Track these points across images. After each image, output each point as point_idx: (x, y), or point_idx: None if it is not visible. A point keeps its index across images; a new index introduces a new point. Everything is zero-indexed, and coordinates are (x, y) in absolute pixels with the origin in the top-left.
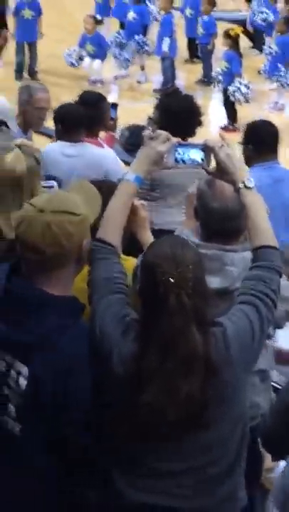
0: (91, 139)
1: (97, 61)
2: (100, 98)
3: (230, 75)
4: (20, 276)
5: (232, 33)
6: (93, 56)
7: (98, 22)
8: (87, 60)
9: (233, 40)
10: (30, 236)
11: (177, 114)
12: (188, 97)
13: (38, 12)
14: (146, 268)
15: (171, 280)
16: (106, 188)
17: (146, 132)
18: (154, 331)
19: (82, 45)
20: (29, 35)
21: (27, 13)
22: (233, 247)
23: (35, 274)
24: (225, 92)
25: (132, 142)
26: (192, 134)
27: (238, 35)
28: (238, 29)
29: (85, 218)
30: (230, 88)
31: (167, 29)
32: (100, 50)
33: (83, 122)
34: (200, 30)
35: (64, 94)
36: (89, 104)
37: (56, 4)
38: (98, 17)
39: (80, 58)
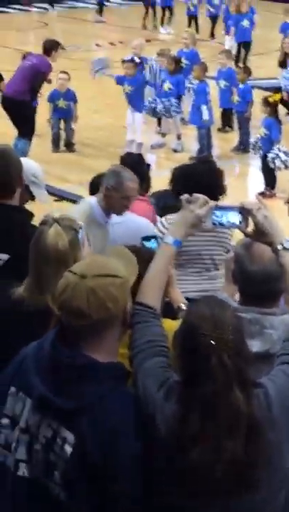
0: (141, 197)
1: (138, 116)
2: (140, 160)
3: (269, 142)
4: (65, 342)
5: (271, 100)
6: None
7: (137, 64)
8: (128, 113)
9: (272, 107)
10: (75, 302)
11: (198, 180)
12: (211, 164)
13: (74, 100)
14: (186, 330)
15: (212, 342)
16: (142, 253)
17: (185, 196)
18: (196, 392)
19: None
20: (64, 115)
21: (61, 103)
22: (272, 310)
23: (81, 341)
24: (264, 158)
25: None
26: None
27: (276, 102)
28: (276, 96)
29: (127, 280)
30: (270, 155)
31: (202, 97)
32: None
33: None
34: (236, 98)
35: (100, 165)
36: (130, 166)
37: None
38: (136, 59)
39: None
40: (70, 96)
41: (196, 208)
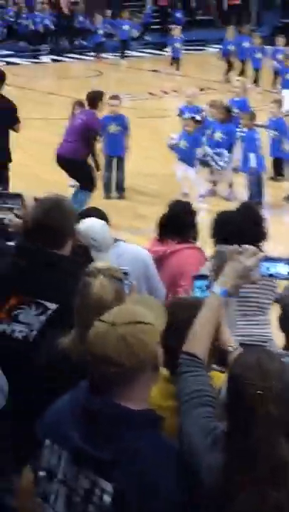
0: (185, 244)
1: (191, 171)
2: (188, 208)
3: None
4: (98, 392)
5: None
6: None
7: (198, 122)
8: (179, 171)
9: None
10: (106, 350)
11: (236, 226)
12: (252, 210)
13: (125, 127)
14: (232, 380)
15: (259, 392)
16: (192, 302)
17: (234, 247)
18: (242, 442)
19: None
20: (117, 150)
21: (113, 128)
22: None
23: (113, 389)
24: None
25: None
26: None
27: None
28: None
29: (156, 326)
30: None
31: (252, 145)
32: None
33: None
34: (287, 147)
35: (151, 211)
36: (178, 214)
37: (148, 124)
38: (198, 118)
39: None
40: (122, 121)
41: (245, 259)
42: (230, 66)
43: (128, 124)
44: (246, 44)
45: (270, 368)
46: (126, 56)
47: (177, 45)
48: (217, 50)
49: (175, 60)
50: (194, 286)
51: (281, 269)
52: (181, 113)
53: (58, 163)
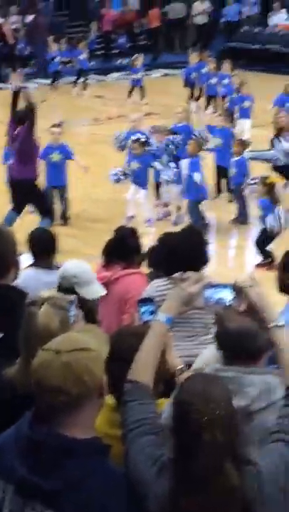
0: (130, 269)
1: (142, 194)
2: (132, 233)
3: (264, 221)
4: (43, 421)
5: (268, 181)
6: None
7: (143, 144)
8: (131, 189)
9: (268, 189)
10: (52, 379)
11: (177, 250)
12: (194, 234)
13: (68, 156)
14: (178, 406)
15: (204, 418)
16: (133, 331)
17: (177, 274)
18: (188, 469)
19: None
20: (60, 180)
21: (56, 157)
22: (253, 369)
23: (59, 417)
24: (262, 231)
25: None
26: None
27: (273, 184)
28: (274, 178)
29: (101, 353)
30: (268, 225)
31: (196, 169)
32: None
33: (51, 247)
34: (232, 170)
35: (98, 238)
36: (122, 239)
37: (93, 150)
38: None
39: (125, 174)
40: (64, 150)
41: (188, 286)
42: (192, 92)
43: (70, 152)
44: (204, 70)
45: (215, 393)
46: (75, 83)
47: (140, 74)
48: (159, 74)
49: (140, 89)
50: (140, 311)
51: (225, 295)
52: (124, 138)
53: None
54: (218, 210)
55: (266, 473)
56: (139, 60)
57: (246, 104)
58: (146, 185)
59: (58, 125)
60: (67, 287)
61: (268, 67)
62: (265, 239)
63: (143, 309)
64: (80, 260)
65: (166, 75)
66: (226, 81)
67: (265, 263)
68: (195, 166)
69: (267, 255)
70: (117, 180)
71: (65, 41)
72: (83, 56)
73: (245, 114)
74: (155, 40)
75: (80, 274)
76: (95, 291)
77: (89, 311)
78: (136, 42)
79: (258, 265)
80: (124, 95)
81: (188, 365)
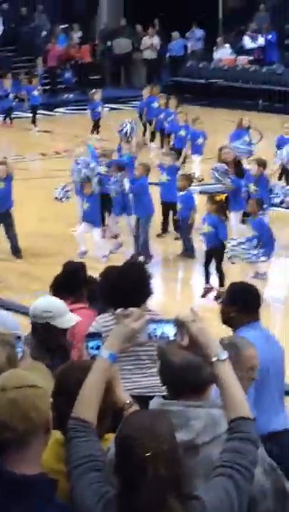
0: (79, 304)
1: (95, 232)
2: (80, 267)
3: (216, 239)
4: None
5: (217, 198)
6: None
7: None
8: (81, 226)
9: (218, 206)
10: None
11: (120, 284)
12: (137, 267)
13: (9, 182)
14: (122, 441)
15: (148, 453)
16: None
17: (120, 310)
18: (132, 503)
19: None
20: (6, 204)
21: (1, 185)
22: (198, 402)
23: (6, 454)
24: (207, 253)
25: None
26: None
27: (223, 201)
28: (222, 196)
29: (47, 390)
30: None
31: (142, 198)
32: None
33: None
34: (179, 205)
35: (47, 272)
36: (70, 273)
37: (41, 184)
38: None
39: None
40: (7, 178)
41: (130, 322)
42: (145, 126)
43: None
44: (155, 104)
45: (159, 429)
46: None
47: (99, 109)
48: (107, 109)
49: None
50: (87, 346)
51: (167, 330)
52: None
53: None
54: (164, 244)
55: (211, 508)
56: (98, 94)
57: (200, 140)
58: (99, 224)
59: (3, 162)
60: (41, 323)
61: (213, 101)
62: (208, 260)
63: (91, 344)
64: (46, 295)
65: (112, 109)
66: (170, 118)
67: (208, 289)
68: (144, 187)
69: (208, 279)
70: (61, 198)
71: (11, 76)
72: (36, 92)
73: (198, 150)
74: (80, 77)
75: (52, 308)
76: (69, 319)
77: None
78: (81, 77)
79: (203, 295)
80: (71, 130)
81: (139, 398)
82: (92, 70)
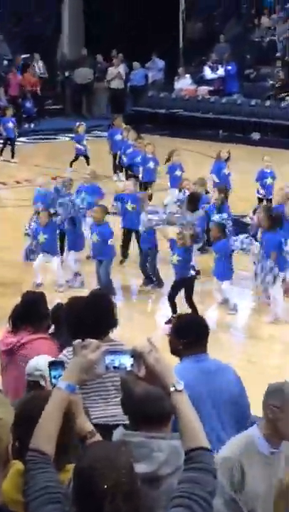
0: (38, 334)
1: (54, 261)
2: (40, 298)
3: (185, 267)
4: None
5: (188, 234)
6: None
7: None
8: (39, 257)
9: (188, 238)
10: None
11: (83, 314)
12: (100, 298)
13: None
14: (81, 472)
15: (107, 484)
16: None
17: (77, 341)
18: None
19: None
20: None
21: None
22: (160, 434)
23: None
24: (176, 283)
25: None
26: (102, 336)
27: (192, 235)
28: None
29: (7, 421)
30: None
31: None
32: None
33: None
34: (144, 236)
35: (6, 302)
36: (28, 305)
37: (3, 215)
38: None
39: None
40: None
41: (88, 353)
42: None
43: None
44: (118, 137)
45: (119, 460)
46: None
47: (84, 142)
48: (68, 139)
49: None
50: (50, 375)
51: (124, 360)
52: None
53: None
54: (125, 274)
55: None
56: (81, 127)
57: (178, 173)
58: (57, 253)
59: None
60: (34, 381)
61: (174, 131)
62: (175, 291)
63: (53, 373)
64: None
65: (72, 138)
66: (129, 150)
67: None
68: (109, 234)
69: (175, 310)
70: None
71: None
72: (11, 125)
73: (175, 182)
74: (41, 106)
75: (43, 366)
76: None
77: None
78: (42, 106)
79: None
80: (32, 159)
81: (104, 427)
82: (53, 99)
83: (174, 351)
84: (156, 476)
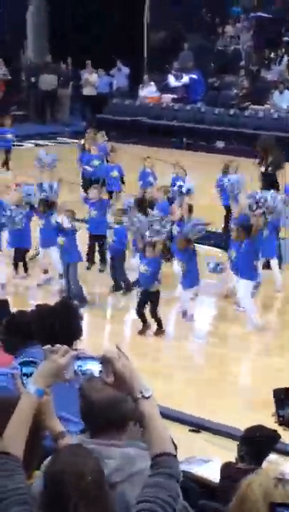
0: None
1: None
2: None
3: (152, 278)
4: None
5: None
6: None
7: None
8: None
9: (157, 249)
10: None
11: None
12: (67, 306)
13: None
14: (50, 476)
15: (72, 490)
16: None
17: (46, 346)
18: None
19: None
20: None
21: None
22: (114, 442)
23: None
24: (142, 294)
25: None
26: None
27: (164, 246)
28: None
29: None
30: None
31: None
32: None
33: None
34: (112, 237)
35: None
36: None
37: None
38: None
39: None
40: None
41: (57, 358)
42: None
43: None
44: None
45: (84, 467)
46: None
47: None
48: (32, 145)
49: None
50: (21, 374)
51: (93, 366)
52: None
53: None
54: (94, 281)
55: None
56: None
57: (150, 179)
58: None
59: None
60: None
61: (139, 138)
62: (142, 305)
63: (25, 370)
64: None
65: (37, 145)
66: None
67: (143, 329)
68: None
69: (144, 320)
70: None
71: None
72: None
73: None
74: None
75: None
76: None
77: None
78: (7, 112)
79: (140, 332)
80: None
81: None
82: (18, 105)
83: None
84: (108, 484)
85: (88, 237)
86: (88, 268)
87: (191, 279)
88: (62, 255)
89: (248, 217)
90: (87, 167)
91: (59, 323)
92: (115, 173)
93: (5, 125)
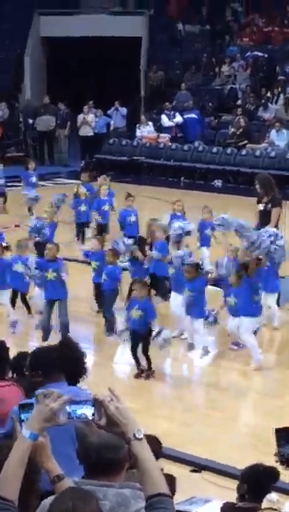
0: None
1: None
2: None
3: (144, 323)
4: None
5: (142, 283)
6: None
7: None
8: None
9: (148, 290)
10: None
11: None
12: (68, 347)
13: None
14: None
15: None
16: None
17: (40, 391)
18: None
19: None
20: None
21: None
22: (108, 482)
23: None
24: (134, 336)
25: None
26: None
27: (149, 286)
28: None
29: None
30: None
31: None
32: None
33: None
34: (104, 276)
35: None
36: None
37: None
38: None
39: None
40: None
41: (50, 402)
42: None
43: None
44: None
45: (87, 509)
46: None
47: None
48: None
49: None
50: (20, 419)
51: (85, 410)
52: None
53: None
54: (89, 322)
55: None
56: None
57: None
58: None
59: None
60: None
61: (136, 178)
62: (134, 348)
63: (23, 416)
64: None
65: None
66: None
67: (138, 373)
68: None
69: (139, 362)
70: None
71: None
72: (34, 178)
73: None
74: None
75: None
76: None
77: None
78: (4, 153)
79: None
80: None
81: None
82: (16, 146)
83: None
84: None
85: (94, 285)
86: (98, 312)
87: (201, 307)
88: (55, 293)
89: (238, 263)
90: (96, 216)
91: (58, 364)
92: (133, 218)
93: (29, 169)
